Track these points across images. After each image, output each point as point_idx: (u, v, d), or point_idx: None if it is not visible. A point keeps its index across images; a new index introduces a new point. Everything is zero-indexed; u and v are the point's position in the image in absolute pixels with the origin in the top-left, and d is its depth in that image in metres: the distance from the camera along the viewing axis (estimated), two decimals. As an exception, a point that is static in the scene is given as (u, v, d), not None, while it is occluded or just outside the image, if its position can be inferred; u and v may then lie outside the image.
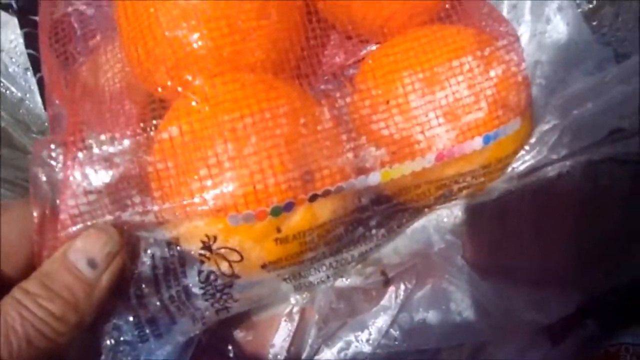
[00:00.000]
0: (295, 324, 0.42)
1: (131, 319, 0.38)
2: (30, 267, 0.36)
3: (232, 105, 0.35)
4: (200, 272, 0.37)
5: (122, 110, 0.39)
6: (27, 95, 0.50)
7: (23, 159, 0.43)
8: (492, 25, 0.42)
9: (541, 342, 0.49)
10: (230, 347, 0.42)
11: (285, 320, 0.42)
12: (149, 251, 0.37)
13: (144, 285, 0.37)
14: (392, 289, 0.43)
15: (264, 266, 0.37)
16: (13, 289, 0.33)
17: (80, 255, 0.35)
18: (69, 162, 0.36)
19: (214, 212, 0.34)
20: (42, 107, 0.50)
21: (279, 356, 0.42)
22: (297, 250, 0.37)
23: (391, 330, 0.43)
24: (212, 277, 0.37)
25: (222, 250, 0.36)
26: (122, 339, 0.37)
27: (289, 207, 0.35)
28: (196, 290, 0.38)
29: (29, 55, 0.46)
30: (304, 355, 0.42)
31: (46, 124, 0.47)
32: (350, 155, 0.36)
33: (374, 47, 0.43)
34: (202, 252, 0.36)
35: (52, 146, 0.37)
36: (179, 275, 0.37)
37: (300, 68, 0.39)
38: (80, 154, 0.35)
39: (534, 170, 0.42)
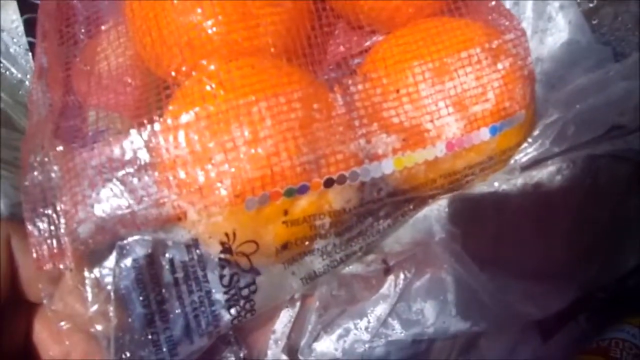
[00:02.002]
0: (296, 310, 0.42)
1: (150, 337, 0.37)
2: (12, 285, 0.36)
3: (247, 89, 0.35)
4: (222, 277, 0.37)
5: (127, 95, 0.39)
6: (28, 76, 0.50)
7: (22, 140, 0.43)
8: (500, 19, 0.42)
9: (532, 337, 0.49)
10: (231, 332, 0.42)
11: (286, 307, 0.42)
12: (167, 255, 0.36)
13: (164, 291, 0.37)
14: (391, 277, 0.43)
15: (277, 253, 0.37)
16: None
17: None
18: (80, 157, 0.35)
19: (232, 198, 0.34)
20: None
21: (279, 342, 0.42)
22: (307, 233, 0.37)
23: (389, 319, 0.43)
24: (235, 278, 0.37)
25: (242, 247, 0.36)
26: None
27: (303, 189, 0.35)
28: (219, 296, 0.37)
29: (29, 43, 0.46)
30: (303, 342, 0.42)
31: (34, 115, 0.46)
32: (362, 141, 0.37)
33: (380, 38, 0.44)
34: (223, 255, 0.36)
35: (49, 149, 0.37)
36: (200, 279, 0.37)
37: (309, 55, 0.39)
38: (95, 146, 0.35)
39: (536, 162, 0.42)
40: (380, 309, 0.43)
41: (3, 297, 0.36)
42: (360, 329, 0.43)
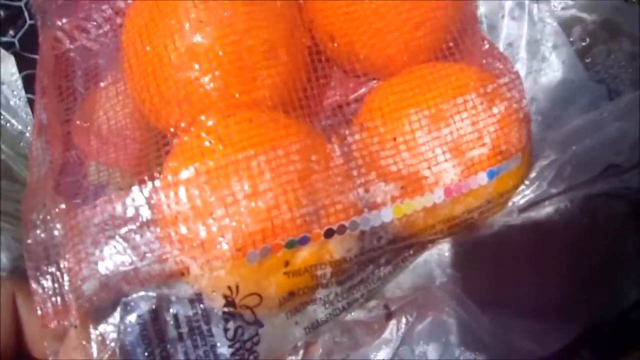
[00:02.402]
0: (299, 358, 0.42)
1: None
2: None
3: (246, 143, 0.35)
4: (226, 330, 0.37)
5: (126, 151, 0.40)
6: (28, 128, 0.50)
7: (23, 191, 0.43)
8: (493, 63, 0.43)
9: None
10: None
11: (290, 355, 0.42)
12: (171, 310, 0.36)
13: (169, 346, 0.37)
14: (393, 322, 0.43)
15: (280, 304, 0.37)
16: None
17: None
18: (83, 215, 0.36)
19: (233, 252, 0.34)
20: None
21: (284, 390, 0.42)
22: (309, 283, 0.38)
23: (392, 363, 0.43)
24: (239, 332, 0.37)
25: (245, 300, 0.36)
26: None
27: (303, 240, 0.35)
28: (224, 350, 0.37)
29: (28, 99, 0.46)
30: (307, 390, 0.42)
31: (33, 170, 0.47)
32: (361, 190, 0.37)
33: (375, 84, 0.44)
34: (226, 309, 0.36)
35: (52, 207, 0.37)
36: (205, 334, 0.37)
37: (306, 107, 0.40)
38: (97, 203, 0.35)
39: (534, 204, 0.43)
40: (383, 354, 0.43)
41: (9, 354, 0.36)
42: (364, 375, 0.43)
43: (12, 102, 0.50)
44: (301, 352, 0.42)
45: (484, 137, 0.40)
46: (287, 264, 0.36)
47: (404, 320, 0.43)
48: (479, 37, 0.44)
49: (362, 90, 0.45)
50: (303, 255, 0.36)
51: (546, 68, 0.46)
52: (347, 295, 0.41)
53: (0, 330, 0.37)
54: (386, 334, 0.43)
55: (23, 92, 0.50)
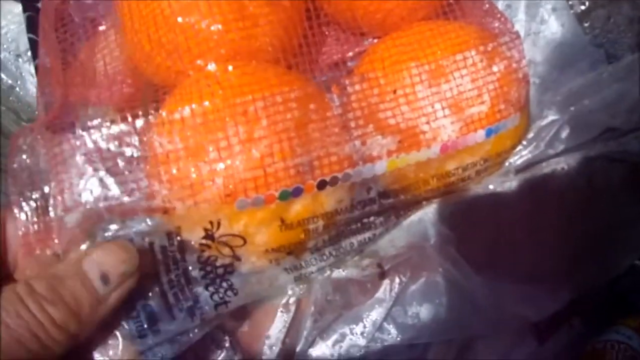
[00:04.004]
0: (291, 315, 0.42)
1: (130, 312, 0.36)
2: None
3: (245, 88, 0.35)
4: (199, 257, 0.37)
5: (121, 93, 0.39)
6: (18, 82, 0.50)
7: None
8: (493, 22, 0.43)
9: (528, 341, 0.49)
10: (226, 337, 0.42)
11: (281, 311, 0.42)
12: (147, 239, 0.36)
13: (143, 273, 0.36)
14: (387, 281, 0.43)
15: (266, 251, 0.37)
16: (17, 282, 0.32)
17: (96, 267, 0.33)
18: (69, 143, 0.35)
19: (222, 197, 0.34)
20: (33, 94, 0.49)
21: (274, 347, 0.42)
22: (301, 237, 0.37)
23: (385, 323, 0.43)
24: (212, 258, 0.37)
25: (225, 238, 0.36)
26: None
27: (297, 192, 0.35)
28: (195, 273, 0.37)
29: (30, 39, 0.45)
30: (298, 348, 0.42)
31: (36, 112, 0.46)
32: (357, 142, 0.37)
33: (373, 41, 0.44)
34: (204, 241, 0.36)
35: (38, 133, 0.36)
36: (178, 260, 0.37)
37: (307, 54, 0.39)
38: (85, 134, 0.34)
39: (531, 165, 0.43)
40: (376, 314, 0.43)
41: None
42: (356, 334, 0.43)
43: (1, 56, 0.50)
44: (292, 309, 0.42)
45: (483, 95, 0.39)
46: (280, 217, 0.36)
47: (397, 280, 0.43)
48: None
49: (360, 48, 0.44)
50: (296, 209, 0.36)
51: (545, 30, 0.46)
52: (337, 246, 0.41)
53: None
54: (379, 294, 0.43)
55: (13, 45, 0.49)
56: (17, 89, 0.50)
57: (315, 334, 0.42)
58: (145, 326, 0.37)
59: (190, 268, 0.37)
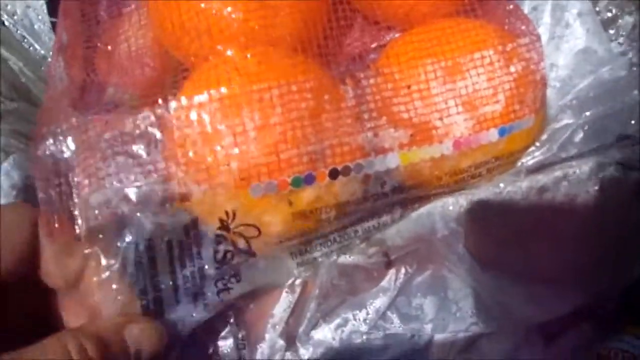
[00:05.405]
0: (296, 296, 0.43)
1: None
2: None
3: (262, 76, 0.36)
4: (216, 252, 0.38)
5: (144, 76, 0.40)
6: (50, 53, 0.51)
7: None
8: (515, 23, 0.43)
9: (534, 341, 0.49)
10: (231, 313, 0.43)
11: (286, 292, 0.43)
12: (165, 238, 0.37)
13: (159, 266, 0.38)
14: (392, 271, 0.44)
15: (280, 242, 0.38)
16: (63, 331, 0.34)
17: (134, 342, 0.36)
18: (94, 130, 0.36)
19: (237, 182, 0.35)
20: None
21: (277, 326, 0.43)
22: (313, 226, 0.38)
23: (388, 312, 0.44)
24: (228, 256, 0.38)
25: (240, 228, 0.37)
26: None
27: (309, 179, 0.36)
28: (211, 271, 0.39)
29: (52, 23, 0.47)
30: (301, 329, 0.43)
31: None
32: (370, 134, 0.37)
33: (396, 35, 0.44)
34: (220, 232, 0.37)
35: (64, 120, 0.37)
36: (194, 256, 0.38)
37: (324, 47, 0.40)
38: (109, 119, 0.36)
39: (543, 167, 0.43)
40: (380, 302, 0.43)
41: (18, 277, 0.37)
42: (359, 320, 0.43)
43: (36, 27, 0.51)
44: (298, 290, 0.43)
45: (499, 94, 0.40)
46: (292, 204, 0.37)
47: (403, 270, 0.44)
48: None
49: (383, 41, 0.45)
50: (308, 196, 0.37)
51: (569, 35, 0.46)
52: (341, 233, 0.42)
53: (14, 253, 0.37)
54: (384, 283, 0.44)
55: (47, 17, 0.50)
56: (50, 59, 0.51)
57: (318, 317, 0.43)
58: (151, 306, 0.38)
59: (206, 267, 0.38)
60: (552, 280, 0.44)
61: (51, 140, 0.37)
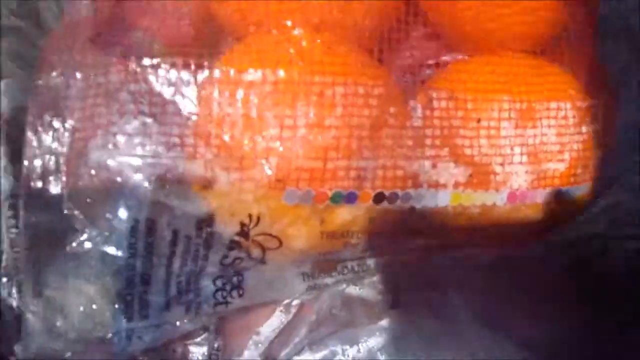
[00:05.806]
0: (290, 317, 0.39)
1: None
2: None
3: (327, 67, 0.31)
4: (225, 257, 0.33)
5: (179, 29, 0.35)
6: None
7: (46, 39, 0.38)
8: (591, 81, 0.39)
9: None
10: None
11: (280, 311, 0.39)
12: (172, 226, 0.32)
13: (155, 257, 0.32)
14: (396, 312, 0.40)
15: (301, 259, 0.35)
16: None
17: None
18: (118, 75, 0.31)
19: (272, 182, 0.30)
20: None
21: (260, 345, 0.38)
22: (338, 249, 0.34)
23: (378, 353, 0.40)
24: (237, 262, 0.33)
25: (260, 237, 0.32)
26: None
27: (351, 198, 0.32)
28: (214, 280, 0.34)
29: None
30: (284, 352, 0.39)
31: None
32: (427, 163, 0.33)
33: (458, 56, 0.40)
34: (237, 238, 0.32)
35: (79, 52, 0.32)
36: (199, 257, 0.33)
37: (388, 52, 0.36)
38: (139, 70, 0.31)
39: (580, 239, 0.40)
40: (374, 342, 0.40)
41: None
42: (348, 356, 0.40)
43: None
44: (293, 311, 0.38)
45: (565, 152, 0.36)
46: (324, 221, 0.32)
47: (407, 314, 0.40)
48: (589, 47, 0.40)
49: (439, 59, 0.40)
50: (345, 216, 0.33)
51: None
52: (362, 265, 0.38)
53: None
54: (384, 322, 0.40)
55: None
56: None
57: (305, 343, 0.39)
58: (135, 308, 0.33)
59: (209, 273, 0.34)
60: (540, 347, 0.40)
61: (58, 71, 0.32)
